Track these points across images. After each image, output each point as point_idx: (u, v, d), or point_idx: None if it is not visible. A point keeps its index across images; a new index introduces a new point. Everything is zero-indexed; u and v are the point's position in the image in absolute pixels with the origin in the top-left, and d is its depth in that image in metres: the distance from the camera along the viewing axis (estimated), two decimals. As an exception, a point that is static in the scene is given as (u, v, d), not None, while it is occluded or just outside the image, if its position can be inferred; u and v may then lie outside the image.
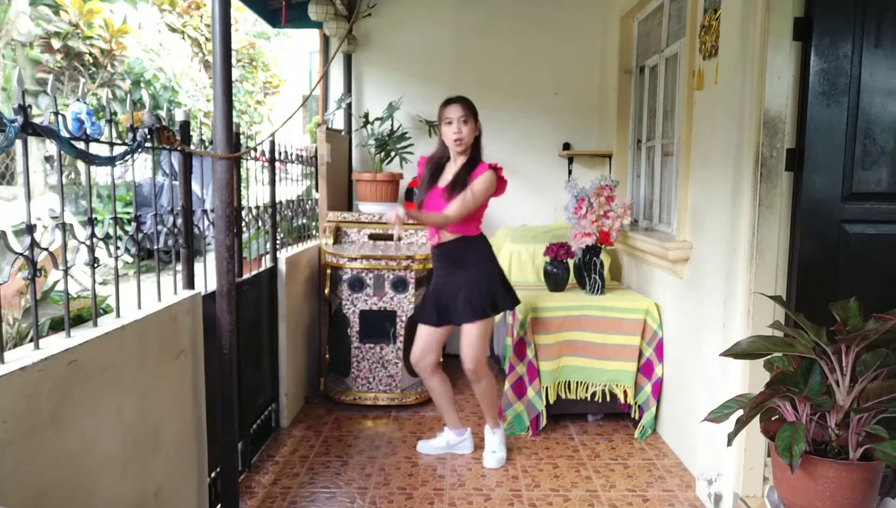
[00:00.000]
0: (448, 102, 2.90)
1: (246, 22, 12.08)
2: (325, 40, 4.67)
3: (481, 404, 3.10)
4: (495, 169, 2.88)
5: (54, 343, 1.57)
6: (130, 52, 9.60)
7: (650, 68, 3.94)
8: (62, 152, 1.59)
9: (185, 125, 2.22)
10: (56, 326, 2.78)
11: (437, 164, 2.99)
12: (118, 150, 1.85)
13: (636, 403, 3.39)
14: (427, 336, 3.02)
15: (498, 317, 4.20)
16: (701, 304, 2.81)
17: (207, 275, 2.49)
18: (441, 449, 3.16)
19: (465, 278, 2.91)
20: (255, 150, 3.03)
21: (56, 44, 8.81)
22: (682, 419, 3.10)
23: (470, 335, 2.93)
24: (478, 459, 3.09)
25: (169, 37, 10.90)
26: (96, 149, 1.75)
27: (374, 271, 3.66)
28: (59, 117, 1.57)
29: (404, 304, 3.67)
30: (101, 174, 7.86)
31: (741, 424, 1.90)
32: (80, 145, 1.68)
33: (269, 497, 2.71)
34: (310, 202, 4.18)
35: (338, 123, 4.66)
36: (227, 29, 2.20)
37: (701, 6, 2.89)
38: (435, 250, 3.00)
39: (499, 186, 2.91)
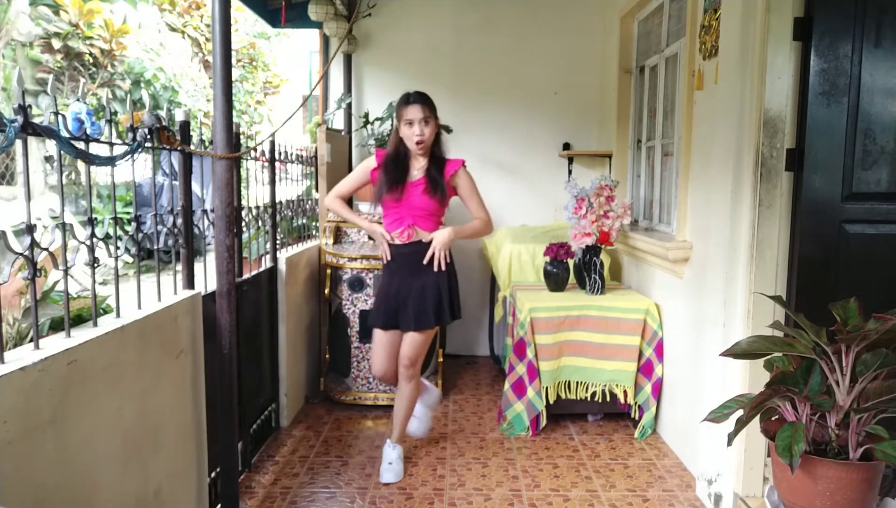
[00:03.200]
0: (408, 100, 2.70)
1: (246, 22, 12.08)
2: (325, 40, 4.67)
3: (397, 410, 2.94)
4: (464, 164, 2.82)
5: (54, 343, 1.57)
6: (130, 52, 9.60)
7: (650, 68, 3.94)
8: (62, 152, 1.59)
9: (185, 125, 2.22)
10: (56, 326, 2.78)
11: (399, 158, 2.77)
12: (118, 150, 1.85)
13: (636, 403, 3.39)
14: (389, 341, 2.87)
15: (498, 317, 4.22)
16: (701, 304, 2.81)
17: (207, 275, 2.49)
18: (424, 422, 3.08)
19: (427, 283, 2.77)
20: (255, 150, 3.03)
21: (56, 44, 8.81)
22: (682, 419, 3.09)
23: (416, 339, 2.80)
24: (478, 458, 3.09)
25: (169, 37, 10.90)
26: (96, 149, 1.75)
27: (374, 271, 3.66)
28: (59, 117, 1.57)
29: (404, 304, 3.66)
30: (101, 174, 7.86)
31: (741, 424, 1.90)
32: (80, 145, 1.68)
33: (269, 497, 2.71)
34: (310, 202, 4.18)
35: (338, 123, 4.66)
36: (227, 29, 2.20)
37: (701, 6, 2.89)
38: (403, 248, 2.78)
39: None
